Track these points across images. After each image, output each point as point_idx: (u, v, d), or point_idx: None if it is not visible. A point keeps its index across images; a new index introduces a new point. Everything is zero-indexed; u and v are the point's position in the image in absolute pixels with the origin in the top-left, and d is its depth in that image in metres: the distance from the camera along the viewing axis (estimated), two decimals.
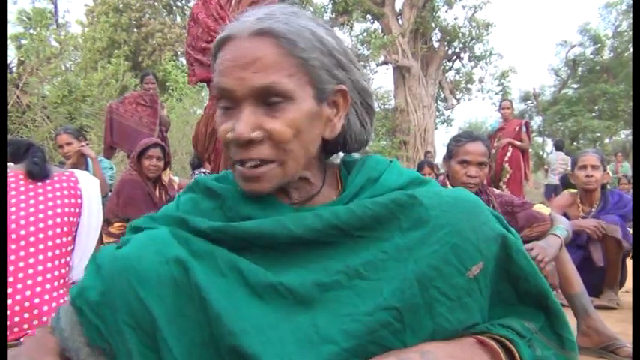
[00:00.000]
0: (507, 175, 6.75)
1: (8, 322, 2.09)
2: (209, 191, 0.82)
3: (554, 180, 8.84)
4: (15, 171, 2.39)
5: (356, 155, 0.90)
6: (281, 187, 0.77)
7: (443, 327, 0.71)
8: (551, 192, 8.25)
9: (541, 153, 25.64)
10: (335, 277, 0.71)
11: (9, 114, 9.24)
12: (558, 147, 10.20)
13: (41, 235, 2.23)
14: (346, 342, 0.66)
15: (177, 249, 0.72)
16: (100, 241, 3.22)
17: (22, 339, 2.12)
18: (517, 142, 6.77)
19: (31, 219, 2.24)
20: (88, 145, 4.31)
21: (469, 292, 0.73)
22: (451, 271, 0.72)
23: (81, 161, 4.20)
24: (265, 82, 0.69)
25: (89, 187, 2.53)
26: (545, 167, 10.05)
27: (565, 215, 3.12)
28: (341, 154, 0.89)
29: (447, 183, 2.46)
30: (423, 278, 0.70)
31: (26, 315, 2.12)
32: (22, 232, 2.20)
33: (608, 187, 3.56)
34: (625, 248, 3.12)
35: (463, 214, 0.75)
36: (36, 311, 2.14)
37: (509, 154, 6.77)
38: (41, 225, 2.24)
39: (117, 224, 4.08)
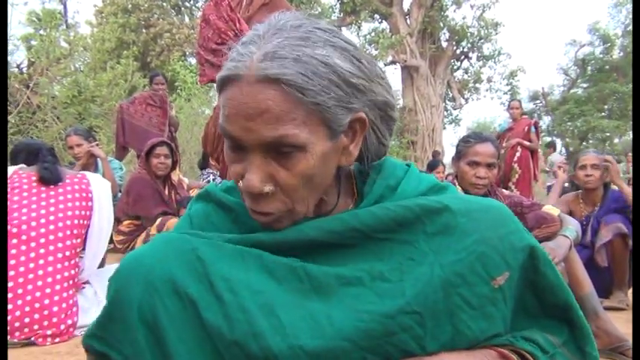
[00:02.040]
0: (516, 176, 6.72)
1: (18, 323, 2.11)
2: (221, 204, 0.81)
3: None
4: (28, 172, 2.42)
5: None
6: None
7: (464, 334, 0.70)
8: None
9: None
10: (358, 274, 0.70)
11: (19, 114, 9.31)
12: (554, 147, 10.17)
13: (51, 237, 2.25)
14: (363, 341, 0.65)
15: (193, 242, 0.72)
16: (110, 239, 3.25)
17: (32, 338, 2.15)
18: (526, 142, 6.73)
19: (42, 220, 2.26)
20: (97, 145, 4.33)
21: (493, 301, 0.72)
22: (476, 279, 0.71)
23: (91, 162, 4.23)
24: (274, 135, 0.65)
25: (100, 189, 2.55)
26: (547, 169, 9.95)
27: (570, 213, 3.12)
28: None
29: (456, 184, 2.46)
30: (448, 285, 0.70)
31: (36, 316, 2.14)
32: (33, 234, 2.22)
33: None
34: (630, 246, 3.12)
35: (491, 222, 0.75)
36: (46, 312, 2.16)
37: (518, 154, 6.73)
38: (51, 227, 2.26)
39: (126, 222, 4.11)
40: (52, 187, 2.39)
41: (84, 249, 2.46)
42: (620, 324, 2.38)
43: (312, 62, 0.65)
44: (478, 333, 0.71)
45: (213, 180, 6.20)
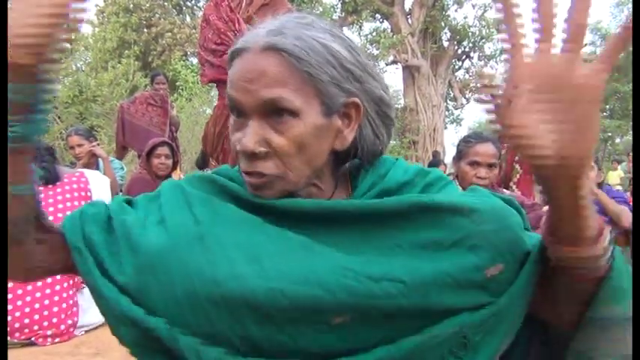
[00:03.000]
0: (518, 176, 6.71)
1: (18, 324, 2.11)
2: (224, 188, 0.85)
3: None
4: None
5: None
6: (290, 193, 0.78)
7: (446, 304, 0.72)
8: None
9: None
10: (347, 244, 0.73)
11: None
12: None
13: None
14: (343, 295, 0.68)
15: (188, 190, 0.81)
16: None
17: (32, 339, 2.15)
18: None
19: None
20: (98, 144, 4.33)
21: (486, 291, 0.74)
22: (468, 266, 0.72)
23: (92, 161, 4.23)
24: (270, 97, 0.71)
25: (99, 187, 2.54)
26: None
27: None
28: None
29: (457, 183, 2.45)
30: (437, 271, 0.71)
31: (36, 316, 2.13)
32: None
33: (620, 187, 3.55)
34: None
35: (487, 217, 0.76)
36: (46, 312, 2.16)
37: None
38: None
39: None
40: (50, 186, 2.38)
41: None
42: None
43: (310, 41, 0.72)
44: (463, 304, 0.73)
45: None
